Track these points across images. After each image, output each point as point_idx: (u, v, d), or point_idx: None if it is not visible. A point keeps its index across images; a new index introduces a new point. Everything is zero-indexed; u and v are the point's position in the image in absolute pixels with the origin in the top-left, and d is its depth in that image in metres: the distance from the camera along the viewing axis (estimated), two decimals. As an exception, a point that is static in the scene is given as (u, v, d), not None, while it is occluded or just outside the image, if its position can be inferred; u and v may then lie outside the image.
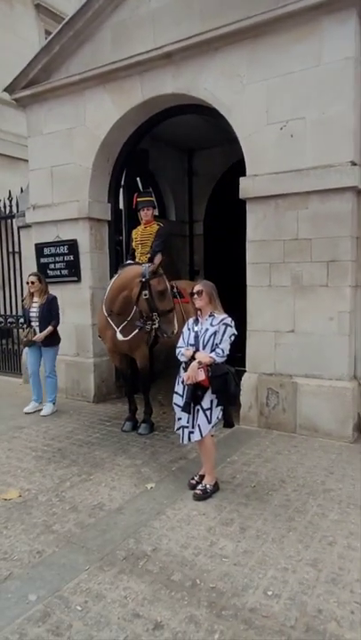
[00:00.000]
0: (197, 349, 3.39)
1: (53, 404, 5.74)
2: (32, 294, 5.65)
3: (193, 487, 3.50)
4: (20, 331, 6.85)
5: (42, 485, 3.72)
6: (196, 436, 3.42)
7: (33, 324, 5.55)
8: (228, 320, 3.40)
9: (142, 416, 5.03)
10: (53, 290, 5.90)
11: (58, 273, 6.34)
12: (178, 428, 3.54)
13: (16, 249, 7.41)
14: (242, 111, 4.86)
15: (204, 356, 3.32)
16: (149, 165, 7.04)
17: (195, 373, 3.29)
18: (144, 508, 3.33)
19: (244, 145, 4.90)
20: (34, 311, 5.56)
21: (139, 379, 5.11)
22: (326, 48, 4.39)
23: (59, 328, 5.65)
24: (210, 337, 3.37)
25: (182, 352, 3.45)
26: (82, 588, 2.48)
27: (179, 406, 3.49)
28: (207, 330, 3.40)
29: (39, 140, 6.38)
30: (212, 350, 3.35)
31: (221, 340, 3.35)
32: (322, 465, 4.00)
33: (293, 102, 4.58)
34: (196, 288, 3.49)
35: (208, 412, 3.39)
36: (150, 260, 5.12)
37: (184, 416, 3.45)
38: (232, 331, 3.38)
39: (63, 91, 6.00)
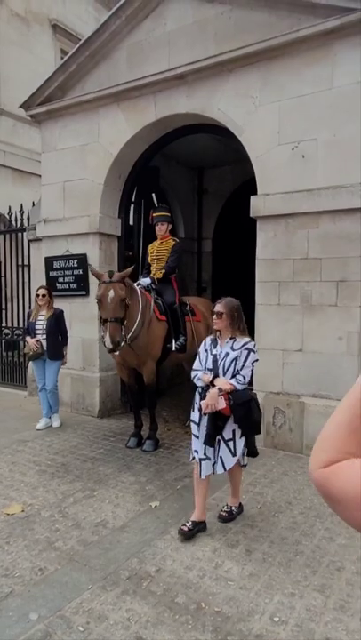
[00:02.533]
0: (216, 375, 3.11)
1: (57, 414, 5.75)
2: (40, 307, 5.66)
3: (184, 533, 3.09)
4: (22, 343, 6.86)
5: (45, 501, 3.68)
6: (219, 469, 3.17)
7: (39, 336, 5.52)
8: (251, 345, 3.16)
9: (147, 432, 4.99)
10: (62, 303, 5.92)
11: (67, 287, 6.37)
12: (193, 458, 3.23)
13: (26, 262, 7.47)
14: (254, 131, 4.92)
15: (224, 382, 3.05)
16: (160, 182, 7.12)
17: (214, 401, 2.99)
18: (148, 526, 3.28)
19: (256, 164, 4.94)
20: (40, 324, 5.55)
21: (145, 394, 5.08)
22: (338, 72, 4.46)
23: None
24: (231, 362, 3.10)
25: (199, 376, 3.16)
26: (84, 608, 2.43)
27: (196, 436, 3.19)
28: (228, 354, 3.13)
29: (53, 156, 6.47)
30: (233, 377, 3.09)
31: (243, 365, 3.09)
32: (329, 487, 3.93)
33: (305, 124, 4.63)
34: (217, 308, 3.19)
35: (231, 444, 3.13)
36: (165, 276, 5.14)
37: (206, 449, 3.14)
38: (255, 356, 3.15)
39: (78, 108, 6.11)
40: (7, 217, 7.73)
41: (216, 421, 3.06)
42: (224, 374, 3.10)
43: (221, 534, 3.18)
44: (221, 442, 3.13)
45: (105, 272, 4.52)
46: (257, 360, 3.18)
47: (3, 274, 7.90)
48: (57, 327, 5.54)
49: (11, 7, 11.87)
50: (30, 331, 5.60)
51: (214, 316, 3.18)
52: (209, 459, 3.14)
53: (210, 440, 3.08)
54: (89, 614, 2.39)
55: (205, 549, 2.99)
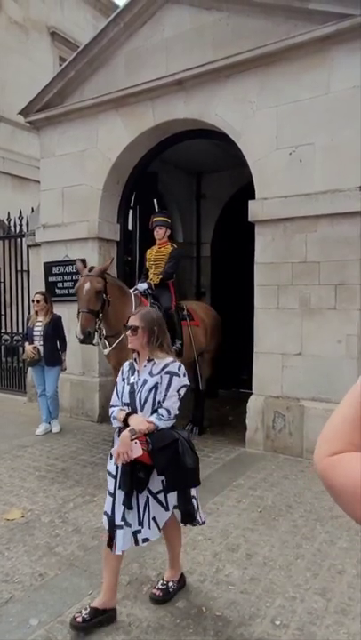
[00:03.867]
0: (134, 410, 2.38)
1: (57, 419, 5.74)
2: (37, 313, 5.65)
3: (76, 626, 2.29)
4: (21, 349, 6.85)
5: (45, 506, 3.67)
6: (153, 535, 2.38)
7: (36, 342, 5.51)
8: (175, 366, 2.39)
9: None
10: (61, 308, 5.92)
11: (66, 292, 6.37)
12: (110, 527, 2.36)
13: (25, 268, 7.48)
14: (252, 136, 4.95)
15: (140, 421, 2.30)
16: (159, 187, 7.15)
17: (127, 448, 2.23)
18: (148, 531, 3.26)
19: (254, 169, 4.97)
20: (37, 330, 5.54)
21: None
22: (335, 77, 4.49)
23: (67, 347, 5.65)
24: (149, 392, 2.36)
25: (114, 414, 2.45)
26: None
27: (111, 494, 2.39)
28: (145, 382, 2.38)
29: (51, 162, 6.50)
30: (154, 411, 2.35)
31: (166, 395, 2.34)
32: (329, 491, 3.92)
33: (303, 128, 4.66)
34: (131, 321, 2.47)
35: (162, 496, 2.38)
36: (162, 281, 5.15)
37: (126, 512, 2.34)
38: (181, 382, 2.38)
39: (77, 114, 6.14)
40: (6, 223, 7.75)
41: (136, 473, 2.29)
42: (142, 409, 2.37)
43: (222, 538, 3.17)
44: (150, 497, 2.37)
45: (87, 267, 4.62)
46: (185, 386, 2.41)
47: (2, 280, 7.90)
48: (54, 333, 5.53)
49: (9, 15, 11.95)
50: (28, 337, 5.60)
51: (128, 332, 2.46)
52: (129, 525, 2.33)
53: (128, 500, 2.33)
54: (89, 619, 2.37)
55: (206, 553, 2.98)
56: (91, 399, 6.19)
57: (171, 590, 2.55)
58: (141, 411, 2.37)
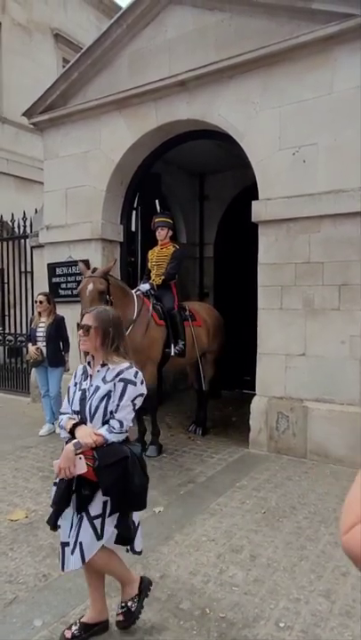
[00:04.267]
0: (83, 420, 2.17)
1: None
2: (40, 314, 5.65)
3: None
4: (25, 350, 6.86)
5: (48, 507, 3.65)
6: (73, 562, 2.08)
7: (39, 343, 5.51)
8: (131, 373, 2.16)
9: (150, 438, 4.98)
10: (64, 309, 5.93)
11: (69, 293, 6.38)
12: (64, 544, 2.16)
13: (28, 269, 7.50)
14: (255, 137, 4.94)
15: (86, 433, 2.07)
16: (162, 188, 7.15)
17: (70, 464, 2.02)
18: (152, 532, 3.26)
19: (257, 169, 4.96)
20: (40, 331, 5.54)
21: (146, 399, 5.06)
22: (338, 77, 4.48)
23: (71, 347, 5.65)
24: (100, 400, 2.14)
25: (62, 423, 2.23)
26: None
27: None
28: (97, 389, 2.17)
29: (55, 163, 6.52)
30: (105, 422, 2.13)
31: (118, 405, 2.12)
32: (334, 492, 3.91)
33: (306, 128, 4.65)
34: (84, 320, 2.27)
35: (98, 522, 2.09)
36: (165, 282, 5.15)
37: (72, 529, 2.12)
38: (137, 390, 2.16)
39: (80, 115, 6.15)
40: (10, 224, 7.77)
41: (79, 490, 2.09)
42: (91, 419, 2.15)
43: (226, 539, 3.16)
44: (84, 518, 2.09)
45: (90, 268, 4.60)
46: (142, 395, 2.20)
47: (6, 281, 7.92)
48: (57, 334, 5.53)
49: (13, 17, 11.99)
50: (31, 337, 5.60)
51: (79, 332, 2.26)
52: (67, 545, 2.13)
53: (54, 519, 2.17)
54: (93, 620, 2.37)
55: (210, 555, 2.97)
56: (94, 400, 6.19)
57: (133, 609, 2.28)
58: (91, 421, 2.14)
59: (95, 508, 2.10)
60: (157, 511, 3.57)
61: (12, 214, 7.70)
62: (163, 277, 5.15)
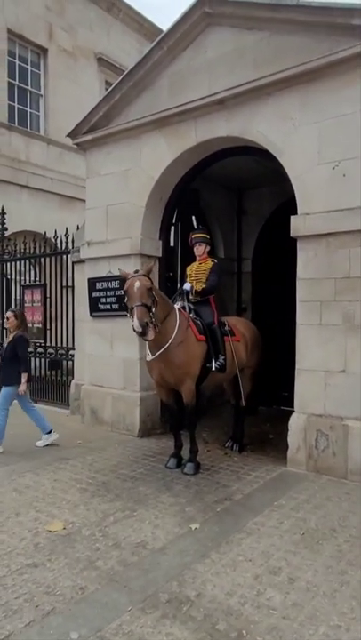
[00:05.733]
0: None
1: None
2: (9, 330, 5.52)
3: None
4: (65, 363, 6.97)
5: (86, 519, 3.71)
6: None
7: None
8: None
9: (187, 453, 4.95)
10: (104, 323, 6.04)
11: (109, 307, 6.51)
12: None
13: (69, 283, 7.71)
14: (294, 152, 4.93)
15: None
16: (200, 204, 7.23)
17: None
18: (188, 549, 3.24)
19: (296, 184, 4.94)
20: (2, 348, 5.43)
21: (185, 415, 5.07)
22: (379, 91, 4.43)
23: (109, 362, 5.66)
24: None
25: None
26: (124, 630, 2.41)
27: None
28: None
29: (97, 181, 6.71)
30: None
31: None
32: (376, 515, 3.77)
33: (345, 143, 4.60)
34: None
35: None
36: (206, 292, 5.17)
37: None
38: None
39: (122, 135, 6.33)
40: (53, 240, 8.03)
41: None
42: None
43: (263, 560, 3.10)
44: None
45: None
46: None
47: (48, 295, 8.16)
48: (12, 353, 5.40)
49: (59, 43, 12.54)
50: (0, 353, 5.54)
51: None
52: None
53: None
54: (129, 637, 2.37)
55: (247, 575, 2.92)
56: (132, 413, 6.25)
57: None
58: None
59: None
60: (193, 528, 3.54)
61: (55, 231, 7.96)
62: (204, 286, 5.17)
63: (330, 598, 2.69)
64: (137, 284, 4.38)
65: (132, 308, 4.32)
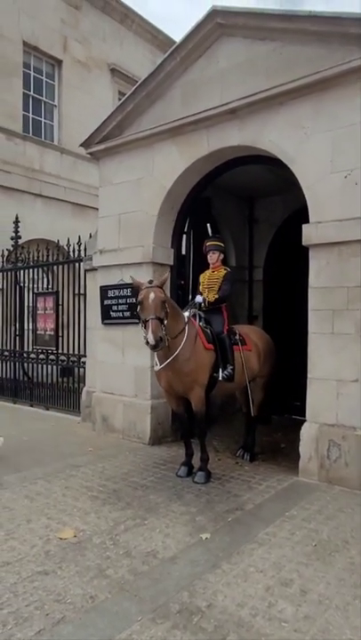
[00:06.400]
0: None
1: None
2: None
3: None
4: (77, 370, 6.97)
5: (96, 527, 3.71)
6: None
7: None
8: None
9: (198, 462, 4.93)
10: (115, 331, 6.07)
11: (120, 315, 6.54)
12: None
13: (82, 291, 7.76)
14: (306, 161, 4.94)
15: None
16: (212, 212, 7.25)
17: None
18: (199, 559, 3.22)
19: (308, 193, 4.94)
20: None
21: (195, 423, 5.05)
22: (392, 99, 4.43)
23: (120, 369, 5.70)
24: None
25: None
26: (134, 640, 2.40)
27: None
28: None
29: (109, 190, 6.78)
30: None
31: None
32: (390, 527, 3.71)
33: (358, 151, 4.60)
34: None
35: None
36: (218, 301, 5.17)
37: None
38: None
39: (134, 144, 6.40)
40: (66, 248, 8.11)
41: None
42: None
43: (275, 571, 3.06)
44: None
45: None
46: None
47: (60, 302, 8.23)
48: None
49: (73, 55, 12.74)
50: None
51: None
52: None
53: None
54: (139, 646, 2.36)
55: (258, 586, 2.89)
56: (143, 421, 6.25)
57: None
58: None
59: None
60: (204, 537, 3.52)
61: (68, 239, 8.03)
62: (217, 296, 5.18)
63: (342, 612, 2.65)
64: (152, 295, 4.39)
65: (147, 321, 4.33)
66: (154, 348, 4.33)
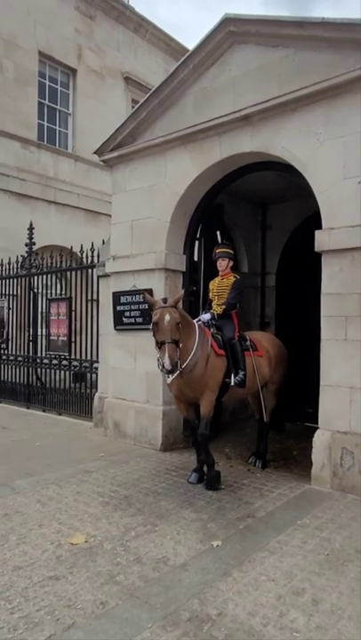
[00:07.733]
0: None
1: None
2: None
3: None
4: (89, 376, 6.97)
5: (107, 533, 3.71)
6: None
7: None
8: None
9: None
10: (127, 337, 6.09)
11: (132, 320, 6.57)
12: None
13: (94, 297, 7.81)
14: (318, 167, 4.93)
15: None
16: (224, 219, 7.26)
17: None
18: (209, 567, 3.20)
19: (321, 199, 4.93)
20: None
21: (199, 425, 4.95)
22: None
23: (132, 375, 5.73)
24: None
25: None
26: (144, 647, 2.39)
27: None
28: None
29: (122, 197, 6.83)
30: None
31: None
32: None
33: (371, 157, 4.58)
34: None
35: None
36: (225, 312, 5.17)
37: None
38: None
39: (147, 152, 6.45)
40: (79, 254, 8.18)
41: None
42: None
43: (286, 580, 3.03)
44: None
45: (158, 298, 4.65)
46: None
47: (73, 308, 8.29)
48: None
49: (88, 64, 12.91)
50: None
51: None
52: None
53: None
54: (149, 654, 2.35)
55: (269, 595, 2.86)
56: (154, 427, 6.25)
57: None
58: None
59: None
60: (215, 545, 3.50)
61: (81, 245, 8.10)
62: (224, 307, 5.17)
63: (355, 622, 2.61)
64: (167, 317, 4.38)
65: (163, 344, 4.33)
66: (169, 372, 4.34)
